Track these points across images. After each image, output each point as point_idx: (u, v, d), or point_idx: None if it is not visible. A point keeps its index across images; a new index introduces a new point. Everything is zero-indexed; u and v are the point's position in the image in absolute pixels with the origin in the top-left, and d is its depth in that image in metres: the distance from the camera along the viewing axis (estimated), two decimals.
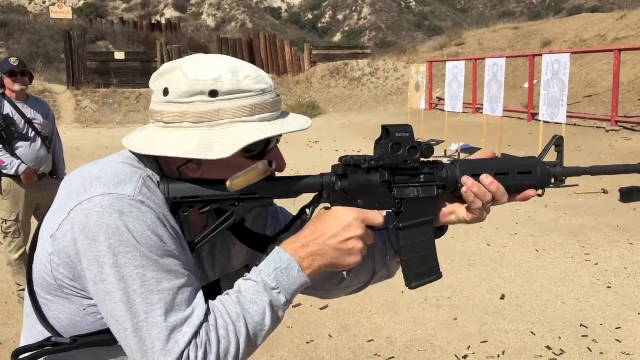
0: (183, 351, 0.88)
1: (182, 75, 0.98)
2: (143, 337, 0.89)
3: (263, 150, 1.02)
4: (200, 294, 0.95)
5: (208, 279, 1.12)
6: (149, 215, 0.91)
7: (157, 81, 1.02)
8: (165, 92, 0.99)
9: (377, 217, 1.03)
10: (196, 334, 0.90)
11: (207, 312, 0.93)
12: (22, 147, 4.04)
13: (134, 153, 1.00)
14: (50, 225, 0.95)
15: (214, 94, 0.96)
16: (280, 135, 1.03)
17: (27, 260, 1.02)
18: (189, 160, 0.99)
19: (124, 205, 0.90)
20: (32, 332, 1.02)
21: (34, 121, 4.09)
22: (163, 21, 36.01)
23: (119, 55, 21.10)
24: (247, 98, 0.98)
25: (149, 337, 0.89)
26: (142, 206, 0.91)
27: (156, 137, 0.99)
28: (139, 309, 0.89)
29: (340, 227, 0.99)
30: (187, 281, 0.93)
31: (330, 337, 3.62)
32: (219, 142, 0.95)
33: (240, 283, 0.97)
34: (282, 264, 0.97)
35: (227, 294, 0.96)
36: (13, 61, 4.05)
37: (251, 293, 0.95)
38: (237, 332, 0.93)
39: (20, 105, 4.07)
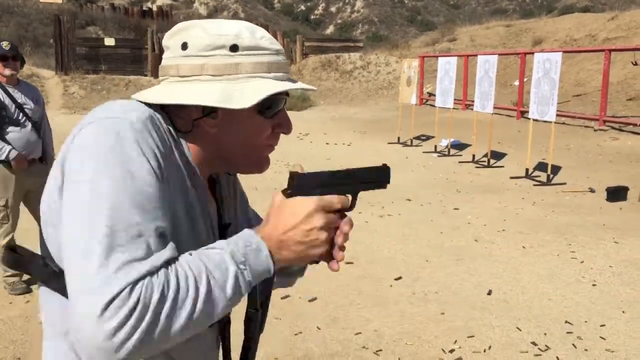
0: (132, 284, 0.79)
1: (202, 30, 1.00)
2: (91, 260, 0.80)
3: (274, 112, 1.04)
4: (171, 244, 0.88)
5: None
6: (148, 141, 0.89)
7: (172, 38, 1.03)
8: (184, 46, 1.00)
9: (338, 200, 0.99)
10: (153, 272, 0.82)
11: (171, 260, 0.86)
12: (13, 132, 3.99)
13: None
14: (52, 184, 0.93)
15: (234, 48, 0.99)
16: (288, 96, 1.06)
17: (41, 246, 0.98)
18: (207, 114, 0.99)
19: (123, 128, 0.88)
20: (59, 319, 0.97)
21: (24, 106, 4.05)
22: (154, 8, 35.67)
23: (109, 42, 20.90)
24: (265, 55, 1.01)
25: (98, 261, 0.80)
26: (143, 132, 0.90)
27: (173, 89, 1.00)
28: (99, 230, 0.81)
29: (299, 220, 0.94)
30: (162, 223, 0.87)
31: (319, 329, 3.64)
32: (239, 93, 0.97)
33: (203, 249, 0.92)
34: (252, 244, 0.93)
35: (190, 253, 0.90)
36: (4, 45, 4.00)
37: (217, 258, 0.89)
38: (197, 286, 0.84)
39: (10, 90, 4.02)
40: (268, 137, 1.06)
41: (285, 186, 0.98)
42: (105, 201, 0.83)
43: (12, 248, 1.00)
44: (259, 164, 1.10)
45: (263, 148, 1.07)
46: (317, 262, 1.03)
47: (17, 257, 0.99)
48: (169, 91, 1.00)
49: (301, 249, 0.95)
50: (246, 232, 0.95)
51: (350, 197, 1.06)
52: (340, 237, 1.00)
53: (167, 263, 0.85)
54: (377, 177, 1.12)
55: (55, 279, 0.95)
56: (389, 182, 1.12)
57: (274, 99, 1.02)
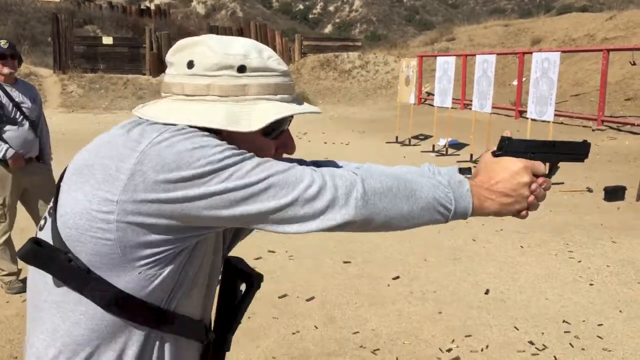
0: (327, 172, 0.93)
1: (208, 49, 0.99)
2: (288, 181, 0.91)
3: (278, 132, 1.06)
4: None
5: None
6: (203, 132, 0.94)
7: (176, 54, 1.02)
8: (190, 64, 0.99)
9: (542, 166, 1.10)
10: (347, 172, 0.95)
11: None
12: (10, 131, 3.98)
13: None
14: (100, 195, 0.92)
15: (242, 69, 0.99)
16: (292, 117, 1.07)
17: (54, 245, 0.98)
18: (212, 133, 1.00)
19: (181, 131, 0.92)
20: (68, 318, 0.98)
21: (22, 105, 4.04)
22: (152, 7, 35.63)
23: (107, 40, 20.87)
24: (272, 77, 1.01)
25: (294, 178, 0.92)
26: (193, 128, 0.94)
27: (178, 108, 1.00)
28: (264, 177, 0.91)
29: (510, 174, 1.05)
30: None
31: (316, 328, 3.64)
32: (245, 116, 0.98)
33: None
34: (457, 177, 1.04)
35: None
36: (3, 44, 3.98)
37: (417, 175, 1.03)
38: (398, 179, 0.97)
39: (8, 89, 4.01)
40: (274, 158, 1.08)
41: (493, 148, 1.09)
42: (250, 172, 0.92)
43: (36, 241, 0.99)
44: None
45: None
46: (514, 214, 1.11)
47: (39, 250, 0.97)
48: (174, 110, 0.99)
49: (506, 202, 1.05)
50: (451, 169, 1.09)
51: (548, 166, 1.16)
52: (541, 192, 1.08)
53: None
54: (578, 150, 1.19)
55: (76, 277, 0.95)
56: (587, 157, 1.20)
57: (279, 120, 1.02)
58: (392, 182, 0.96)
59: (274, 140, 1.06)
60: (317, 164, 1.28)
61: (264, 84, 1.00)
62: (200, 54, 0.99)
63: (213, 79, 0.98)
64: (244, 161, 0.92)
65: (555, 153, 1.15)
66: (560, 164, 1.20)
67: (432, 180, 1.01)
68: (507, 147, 1.09)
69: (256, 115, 0.98)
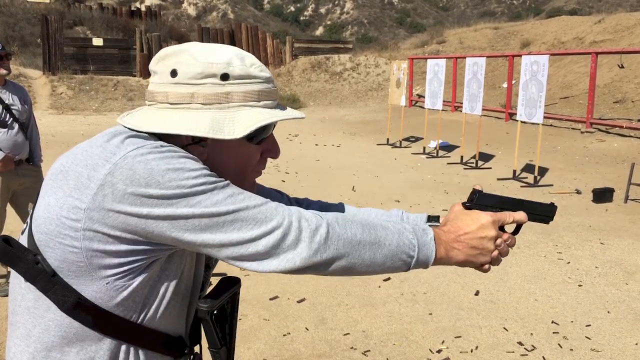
0: (295, 213, 0.95)
1: (191, 57, 1.00)
2: (257, 219, 0.93)
3: (261, 138, 1.07)
4: None
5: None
6: (182, 150, 0.96)
7: (159, 63, 1.02)
8: (174, 73, 1.00)
9: (509, 217, 1.13)
10: (314, 214, 0.96)
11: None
12: (0, 133, 3.96)
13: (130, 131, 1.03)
14: (70, 203, 0.92)
15: (225, 77, 1.00)
16: (276, 123, 1.08)
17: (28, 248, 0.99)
18: (197, 141, 1.01)
19: (159, 149, 0.93)
20: (38, 324, 0.99)
21: (12, 107, 4.02)
22: (143, 8, 35.51)
23: (97, 42, 20.77)
24: (255, 84, 1.02)
25: (262, 216, 0.93)
26: (173, 147, 0.96)
27: (162, 116, 1.00)
28: (231, 210, 0.92)
29: (477, 226, 1.08)
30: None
31: (307, 330, 3.64)
32: (229, 123, 0.99)
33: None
34: (420, 226, 1.05)
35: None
36: None
37: (384, 222, 1.03)
38: (364, 226, 0.98)
39: None
40: (256, 164, 1.09)
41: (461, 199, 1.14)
42: (219, 198, 0.93)
43: (6, 239, 1.00)
44: (248, 189, 1.08)
45: (252, 173, 1.09)
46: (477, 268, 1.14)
47: (8, 249, 0.99)
48: (158, 118, 1.00)
49: (472, 253, 1.08)
50: (419, 216, 1.14)
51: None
52: (505, 247, 1.12)
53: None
54: (545, 211, 1.22)
55: (44, 279, 0.96)
56: (552, 219, 1.23)
57: (263, 127, 1.03)
58: (357, 230, 0.97)
59: (258, 145, 1.07)
60: (299, 202, 1.34)
61: (247, 91, 1.01)
62: (184, 62, 0.99)
63: (197, 87, 0.99)
64: (216, 190, 0.92)
65: (524, 211, 1.17)
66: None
67: (398, 227, 1.02)
68: (478, 200, 1.12)
69: (240, 122, 0.99)
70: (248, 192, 0.97)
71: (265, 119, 1.01)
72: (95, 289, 0.95)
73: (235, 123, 0.99)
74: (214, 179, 0.94)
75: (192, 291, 1.09)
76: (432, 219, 1.25)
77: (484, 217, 1.09)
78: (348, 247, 0.96)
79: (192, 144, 1.01)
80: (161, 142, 0.95)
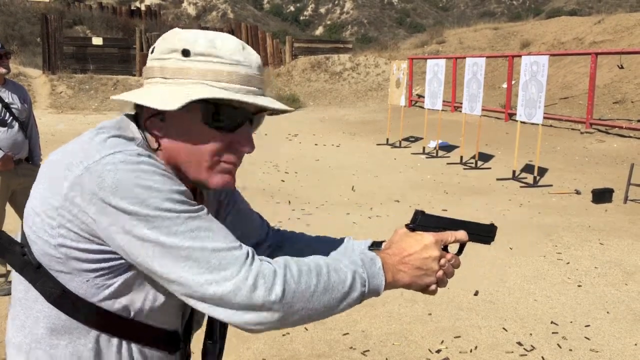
0: (255, 265, 0.91)
1: (172, 34, 1.02)
2: (210, 263, 0.89)
3: (230, 126, 1.01)
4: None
5: None
6: (157, 164, 0.93)
7: (155, 44, 1.06)
8: (153, 49, 1.02)
9: (451, 237, 1.13)
10: (269, 260, 0.93)
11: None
12: (0, 132, 3.96)
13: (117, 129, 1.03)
14: (47, 200, 0.94)
15: (186, 52, 0.98)
16: (252, 117, 1.04)
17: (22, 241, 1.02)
18: (155, 114, 1.00)
19: (134, 159, 0.91)
20: (29, 315, 1.00)
21: (11, 106, 4.02)
22: (143, 7, 35.51)
23: (97, 41, 20.77)
24: (217, 64, 0.98)
25: (217, 263, 0.89)
26: (150, 158, 0.94)
27: (136, 90, 1.03)
28: (188, 246, 0.89)
29: (420, 247, 1.08)
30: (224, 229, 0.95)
31: (306, 330, 3.64)
32: (177, 97, 0.95)
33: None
34: (367, 255, 1.04)
35: (308, 257, 1.00)
36: None
37: (336, 258, 1.01)
38: (318, 274, 0.95)
39: None
40: (221, 151, 1.02)
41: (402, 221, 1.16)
42: (172, 226, 0.90)
43: None
44: (210, 179, 1.03)
45: (213, 161, 1.02)
46: (423, 291, 1.13)
47: None
48: (133, 91, 1.03)
49: (417, 274, 1.07)
50: (362, 247, 1.12)
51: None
52: (449, 268, 1.12)
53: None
54: (485, 232, 1.24)
55: (31, 271, 0.98)
56: (493, 240, 1.25)
57: (226, 111, 0.99)
58: (311, 281, 0.94)
59: (225, 133, 1.01)
60: (275, 234, 1.35)
61: (205, 69, 0.97)
62: (163, 39, 1.02)
63: (163, 61, 1.00)
64: (179, 219, 0.89)
65: (465, 232, 1.17)
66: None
67: (349, 264, 0.99)
68: (420, 222, 1.13)
69: (182, 95, 0.95)
70: (219, 230, 0.92)
71: (204, 94, 0.95)
72: (76, 285, 0.96)
73: (180, 97, 0.95)
74: (182, 206, 0.90)
75: None
76: (377, 244, 1.24)
77: (426, 238, 1.09)
78: (302, 301, 0.92)
79: (152, 117, 1.00)
80: (139, 150, 0.93)
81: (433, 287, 1.11)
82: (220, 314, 0.91)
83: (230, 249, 0.91)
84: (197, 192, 1.12)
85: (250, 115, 1.03)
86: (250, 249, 0.94)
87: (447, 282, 1.12)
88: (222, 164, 1.03)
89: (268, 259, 0.94)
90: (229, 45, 0.99)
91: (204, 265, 0.89)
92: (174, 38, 1.00)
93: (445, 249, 1.13)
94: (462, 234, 1.15)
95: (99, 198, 0.89)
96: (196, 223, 0.91)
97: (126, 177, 0.89)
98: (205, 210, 0.95)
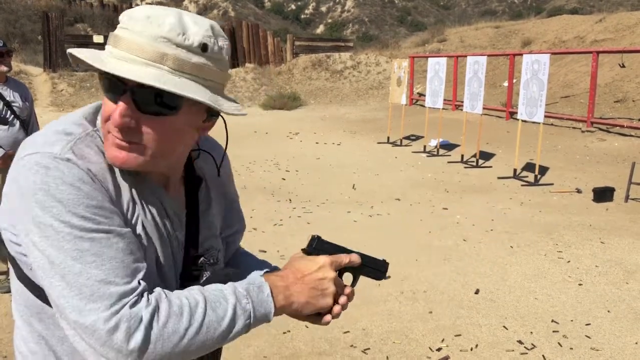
0: (126, 307, 0.87)
1: None
2: (82, 291, 0.87)
3: (105, 89, 0.97)
4: (143, 265, 0.94)
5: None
6: (73, 171, 0.90)
7: None
8: None
9: (345, 258, 1.12)
10: (142, 295, 0.90)
11: (159, 289, 0.94)
12: (0, 131, 3.96)
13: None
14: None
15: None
16: (112, 79, 0.94)
17: None
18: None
19: (49, 162, 0.90)
20: (19, 305, 1.05)
21: (13, 104, 4.02)
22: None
23: (98, 39, 20.74)
24: (117, 29, 0.96)
25: (89, 292, 0.87)
26: (68, 163, 0.91)
27: None
28: (68, 265, 0.88)
29: (315, 268, 1.07)
30: (123, 245, 0.91)
31: (307, 327, 3.64)
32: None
33: (208, 285, 0.99)
34: (255, 282, 1.02)
35: (192, 288, 0.97)
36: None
37: (218, 291, 0.97)
38: (191, 316, 0.92)
39: None
40: (106, 120, 0.97)
41: (303, 245, 1.15)
42: (60, 240, 0.88)
43: None
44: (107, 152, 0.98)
45: (106, 133, 0.97)
46: (317, 315, 1.11)
47: None
48: None
49: (313, 294, 1.06)
50: (253, 274, 1.07)
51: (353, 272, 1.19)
52: (343, 298, 1.11)
53: (157, 289, 0.93)
54: (378, 266, 1.23)
55: (5, 250, 1.01)
56: (384, 277, 1.24)
57: (105, 79, 0.95)
58: (181, 325, 0.91)
59: (110, 100, 0.96)
60: (241, 255, 1.30)
61: (111, 34, 0.97)
62: None
63: None
64: (70, 236, 0.88)
65: (360, 264, 1.17)
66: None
67: (230, 298, 0.96)
68: (317, 246, 1.12)
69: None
70: (110, 260, 0.89)
71: (74, 51, 0.96)
72: (25, 268, 0.98)
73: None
74: (80, 222, 0.88)
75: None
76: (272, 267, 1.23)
77: (321, 259, 1.08)
78: (169, 346, 0.89)
79: None
80: (60, 153, 0.91)
81: (328, 317, 1.09)
82: (79, 345, 0.89)
83: (108, 283, 0.88)
84: (170, 180, 1.07)
85: (105, 80, 0.95)
86: (138, 289, 0.90)
87: (341, 314, 1.11)
88: (110, 137, 0.96)
89: (145, 300, 0.90)
90: (133, 13, 0.95)
91: (76, 290, 0.87)
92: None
93: (340, 275, 1.12)
94: (355, 257, 1.14)
95: (12, 196, 0.92)
96: (86, 245, 0.88)
97: (33, 181, 0.89)
98: (118, 233, 0.91)
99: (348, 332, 3.61)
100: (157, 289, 0.93)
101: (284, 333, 3.56)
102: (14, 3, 30.75)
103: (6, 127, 3.99)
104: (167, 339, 0.89)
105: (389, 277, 4.47)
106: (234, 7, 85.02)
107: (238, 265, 1.25)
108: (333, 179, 8.22)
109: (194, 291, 0.95)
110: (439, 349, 3.41)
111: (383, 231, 5.72)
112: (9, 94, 4.03)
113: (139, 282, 0.91)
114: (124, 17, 0.95)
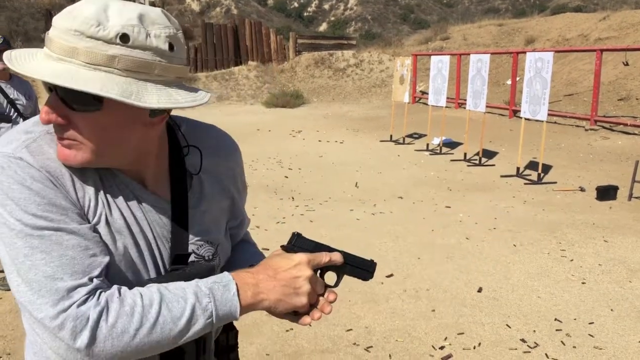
0: (73, 306, 0.88)
1: None
2: (32, 286, 0.89)
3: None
4: (100, 262, 0.93)
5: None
6: (25, 170, 0.91)
7: None
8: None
9: (325, 256, 1.08)
10: (94, 294, 0.90)
11: (115, 287, 0.93)
12: (3, 129, 3.97)
13: None
14: None
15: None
16: (49, 85, 0.93)
17: None
18: None
19: (2, 162, 0.92)
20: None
21: (16, 102, 4.03)
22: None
23: None
24: None
25: (38, 287, 0.89)
26: (21, 162, 0.92)
27: None
28: (20, 262, 0.90)
29: (290, 266, 1.04)
30: (75, 242, 0.92)
31: (310, 325, 3.64)
32: None
33: (170, 283, 0.98)
34: (222, 280, 0.99)
35: (151, 285, 0.96)
36: None
37: (178, 290, 0.96)
38: (143, 316, 0.91)
39: (3, 85, 4.00)
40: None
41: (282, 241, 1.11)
42: (12, 237, 0.91)
43: None
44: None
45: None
46: (295, 314, 1.07)
47: None
48: None
49: (286, 292, 1.02)
50: (221, 274, 1.02)
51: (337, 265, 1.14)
52: (324, 304, 1.08)
53: (110, 287, 0.93)
54: (364, 266, 1.18)
55: None
56: (371, 277, 1.19)
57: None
58: (132, 325, 0.91)
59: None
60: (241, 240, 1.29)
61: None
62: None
63: None
64: (22, 234, 0.90)
65: (344, 264, 1.13)
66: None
67: (190, 298, 0.95)
68: (296, 243, 1.09)
69: None
70: (59, 257, 0.90)
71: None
72: None
73: None
74: (34, 221, 0.90)
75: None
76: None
77: (298, 256, 1.05)
78: (119, 346, 0.90)
79: None
80: (13, 152, 0.93)
81: (307, 319, 1.06)
82: (38, 338, 0.91)
83: (55, 279, 0.89)
84: (149, 175, 1.06)
85: (47, 84, 0.94)
86: (88, 286, 0.90)
87: (321, 316, 1.07)
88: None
89: (94, 299, 0.90)
90: (72, 8, 0.93)
91: (28, 286, 0.89)
92: None
93: (321, 276, 1.09)
94: (337, 256, 1.10)
95: None
96: (36, 242, 0.90)
97: None
98: (71, 230, 0.92)
99: (351, 330, 3.61)
100: (114, 287, 0.93)
101: (287, 331, 3.56)
102: (17, 1, 30.80)
103: (9, 124, 4.00)
104: (117, 338, 0.89)
105: (392, 275, 4.47)
106: (237, 4, 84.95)
107: (232, 256, 1.24)
108: (336, 177, 8.22)
109: (152, 289, 0.94)
110: (441, 347, 3.41)
111: (386, 229, 5.71)
112: (12, 92, 4.04)
113: (90, 280, 0.91)
114: (61, 14, 0.94)
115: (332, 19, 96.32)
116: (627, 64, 13.38)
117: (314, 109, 17.40)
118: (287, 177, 8.22)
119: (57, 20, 0.91)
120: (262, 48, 22.18)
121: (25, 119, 4.08)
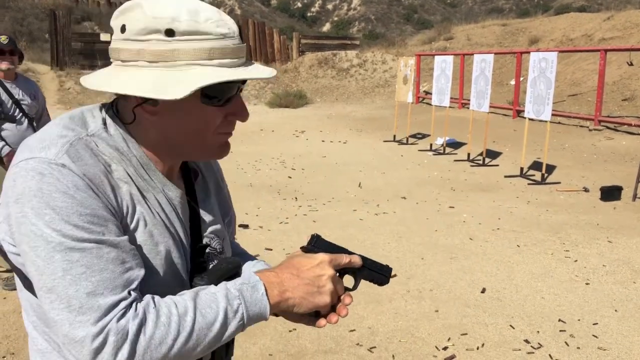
0: (113, 321, 0.86)
1: (141, 12, 0.94)
2: (70, 303, 0.86)
3: (224, 99, 0.99)
4: (137, 274, 0.92)
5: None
6: (68, 178, 0.88)
7: (117, 19, 0.98)
8: (123, 29, 0.96)
9: (345, 258, 1.09)
10: (131, 306, 0.88)
11: (149, 297, 0.91)
12: (8, 129, 3.98)
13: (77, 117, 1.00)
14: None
15: (170, 32, 0.92)
16: (242, 84, 1.01)
17: None
18: (145, 101, 0.96)
19: (44, 168, 0.88)
20: (23, 302, 1.03)
21: (21, 102, 4.03)
22: None
23: (105, 37, 20.82)
24: (206, 41, 0.93)
25: (78, 305, 0.86)
26: (63, 169, 0.89)
27: (112, 74, 0.97)
28: (58, 277, 0.86)
29: (313, 264, 1.03)
30: (115, 255, 0.90)
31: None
32: (174, 82, 0.91)
33: (199, 287, 0.97)
34: (249, 282, 0.98)
35: (183, 293, 0.95)
36: (2, 39, 3.97)
37: (209, 295, 0.95)
38: (179, 325, 0.90)
39: (8, 85, 4.00)
40: (220, 126, 1.00)
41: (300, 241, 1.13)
42: (54, 248, 0.87)
43: None
44: (212, 153, 1.04)
45: (214, 137, 1.01)
46: (316, 315, 1.08)
47: None
48: (109, 77, 0.97)
49: (310, 290, 1.02)
50: (245, 273, 1.02)
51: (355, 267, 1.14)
52: (341, 306, 1.08)
53: (145, 297, 0.91)
54: (381, 271, 1.19)
55: (7, 258, 0.98)
56: (387, 282, 1.20)
57: (221, 87, 0.95)
58: (169, 335, 0.89)
59: (221, 107, 0.98)
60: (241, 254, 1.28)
61: (196, 48, 0.92)
62: (132, 18, 0.94)
63: (144, 43, 0.93)
64: (60, 246, 0.86)
65: (362, 267, 1.13)
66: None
67: (221, 301, 0.94)
68: (316, 244, 1.10)
69: (184, 82, 0.91)
70: (100, 271, 0.88)
71: (210, 79, 0.91)
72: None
73: (179, 82, 0.91)
74: (75, 233, 0.86)
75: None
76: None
77: (321, 256, 1.05)
78: (159, 356, 0.89)
79: (142, 104, 0.96)
80: (55, 159, 0.89)
81: (323, 321, 1.06)
82: (68, 354, 0.89)
83: (97, 295, 0.86)
84: (174, 171, 1.07)
85: (240, 85, 1.00)
86: (127, 300, 0.88)
87: (338, 319, 1.07)
88: (221, 136, 1.02)
89: (132, 311, 0.88)
90: (210, 17, 0.94)
91: (65, 303, 0.86)
92: (147, 16, 0.93)
93: (340, 277, 1.09)
94: (357, 258, 1.10)
95: (7, 202, 0.90)
96: (77, 256, 0.86)
97: (29, 187, 0.87)
98: (111, 243, 0.90)
99: (354, 330, 3.60)
100: (147, 297, 0.91)
101: (290, 331, 3.56)
102: (21, 1, 30.89)
103: (14, 125, 4.00)
104: (155, 349, 0.88)
105: (395, 275, 4.46)
106: (240, 4, 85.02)
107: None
108: (339, 177, 8.22)
109: (185, 297, 0.94)
110: (445, 348, 3.40)
111: (389, 229, 5.71)
112: (18, 92, 4.04)
113: (129, 293, 0.89)
114: (215, 24, 0.96)
115: (336, 19, 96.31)
116: (631, 64, 13.34)
117: (317, 109, 17.41)
118: (290, 177, 8.22)
119: (231, 26, 0.98)
120: (266, 48, 22.20)
121: (30, 119, 4.09)
